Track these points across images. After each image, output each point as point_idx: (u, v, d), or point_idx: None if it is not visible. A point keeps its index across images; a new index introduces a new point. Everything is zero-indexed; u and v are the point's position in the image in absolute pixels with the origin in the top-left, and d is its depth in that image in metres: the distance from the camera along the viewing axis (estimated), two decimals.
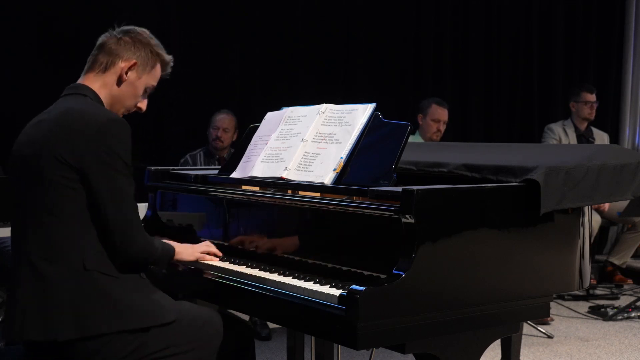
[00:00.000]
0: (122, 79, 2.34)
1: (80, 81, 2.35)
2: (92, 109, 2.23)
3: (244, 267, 2.42)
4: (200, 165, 5.05)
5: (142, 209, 2.79)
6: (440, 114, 5.32)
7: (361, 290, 1.90)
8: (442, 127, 5.33)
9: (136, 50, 2.35)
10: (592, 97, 5.98)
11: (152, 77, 2.40)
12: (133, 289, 2.20)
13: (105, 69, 2.33)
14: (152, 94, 2.47)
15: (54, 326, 2.10)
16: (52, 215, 2.14)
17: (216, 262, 2.50)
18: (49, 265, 2.13)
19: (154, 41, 2.41)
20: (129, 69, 2.34)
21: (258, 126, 2.79)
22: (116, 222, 2.15)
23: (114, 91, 2.34)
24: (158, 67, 2.41)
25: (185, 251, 2.48)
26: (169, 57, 2.45)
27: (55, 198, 2.14)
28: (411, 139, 2.32)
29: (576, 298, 5.44)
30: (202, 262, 2.50)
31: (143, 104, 2.44)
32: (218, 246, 2.59)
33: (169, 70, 2.46)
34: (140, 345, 2.15)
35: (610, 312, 5.03)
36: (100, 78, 2.33)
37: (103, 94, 2.33)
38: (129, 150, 2.19)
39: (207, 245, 2.56)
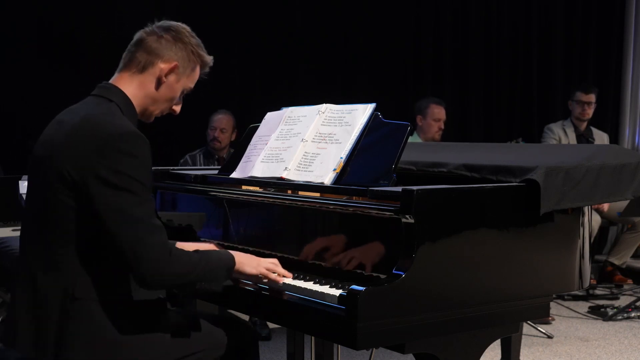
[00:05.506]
0: (162, 81, 2.17)
1: (113, 80, 2.18)
2: (109, 119, 2.03)
3: None
4: (200, 165, 5.05)
5: None
6: (440, 113, 5.34)
7: (361, 290, 1.90)
8: (442, 126, 5.36)
9: (178, 51, 2.19)
10: (586, 97, 5.89)
11: (191, 80, 2.25)
12: (129, 322, 2.04)
13: (142, 69, 2.16)
14: None
15: (39, 347, 2.01)
16: (52, 228, 2.02)
17: None
18: (45, 279, 2.02)
19: (195, 40, 2.25)
20: (169, 71, 2.17)
21: (258, 126, 2.79)
22: (123, 246, 1.93)
23: (151, 94, 2.18)
24: (197, 69, 2.26)
25: (249, 262, 2.19)
26: (209, 58, 2.29)
27: (55, 212, 2.00)
28: (410, 139, 2.32)
29: (576, 298, 5.44)
30: (265, 280, 2.21)
31: (178, 107, 2.29)
32: (217, 246, 2.57)
33: (207, 70, 2.31)
34: None
35: (610, 312, 5.03)
36: (136, 78, 2.16)
37: (138, 96, 2.16)
38: (142, 167, 1.97)
39: (274, 263, 2.25)
